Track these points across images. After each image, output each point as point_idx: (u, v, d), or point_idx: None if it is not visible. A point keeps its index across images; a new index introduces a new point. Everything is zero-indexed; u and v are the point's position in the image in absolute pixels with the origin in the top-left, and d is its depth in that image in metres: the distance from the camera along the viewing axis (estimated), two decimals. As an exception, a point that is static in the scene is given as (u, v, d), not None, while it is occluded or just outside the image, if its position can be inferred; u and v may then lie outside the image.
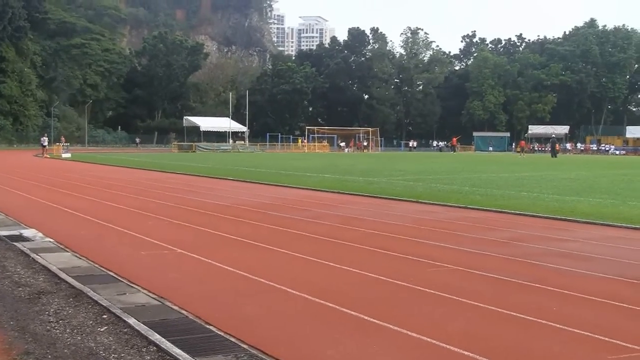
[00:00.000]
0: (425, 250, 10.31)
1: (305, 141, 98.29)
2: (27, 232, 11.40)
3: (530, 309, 6.69)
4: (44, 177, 27.81)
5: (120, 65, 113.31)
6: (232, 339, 5.63)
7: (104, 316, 6.24)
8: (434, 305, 6.99)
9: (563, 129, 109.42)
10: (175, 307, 6.62)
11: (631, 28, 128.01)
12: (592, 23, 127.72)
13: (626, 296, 7.43)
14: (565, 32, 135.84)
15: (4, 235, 11.00)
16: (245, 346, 5.45)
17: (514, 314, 6.54)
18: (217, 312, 6.46)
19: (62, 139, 62.75)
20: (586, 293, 7.49)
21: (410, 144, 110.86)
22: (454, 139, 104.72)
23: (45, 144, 59.95)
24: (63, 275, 7.99)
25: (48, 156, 54.60)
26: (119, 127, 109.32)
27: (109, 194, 19.84)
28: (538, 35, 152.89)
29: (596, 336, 5.83)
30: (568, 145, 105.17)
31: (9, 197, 18.64)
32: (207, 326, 5.98)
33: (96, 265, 8.72)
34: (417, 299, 7.23)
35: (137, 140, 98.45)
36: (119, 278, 7.98)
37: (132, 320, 6.00)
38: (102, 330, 5.82)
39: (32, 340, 5.52)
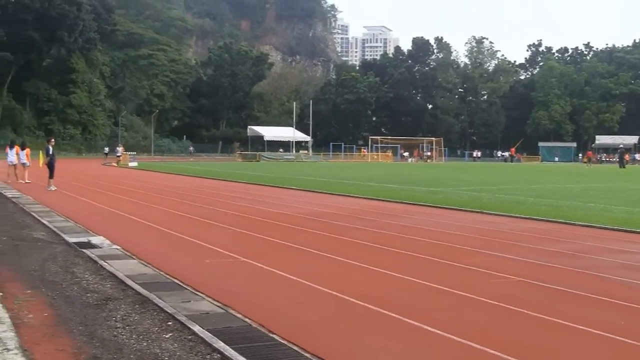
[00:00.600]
0: (489, 261, 10.22)
1: (365, 151, 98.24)
2: (95, 239, 11.64)
3: (596, 323, 6.58)
4: (111, 186, 28.32)
5: (186, 76, 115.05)
6: (295, 348, 5.66)
7: (169, 323, 6.34)
8: (497, 316, 6.93)
9: (632, 139, 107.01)
10: (239, 315, 6.68)
11: None
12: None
13: (696, 311, 7.26)
14: (635, 40, 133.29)
15: (73, 242, 11.25)
16: (307, 355, 5.48)
17: (578, 326, 6.44)
18: (280, 320, 6.50)
19: (121, 148, 63.12)
20: (654, 307, 7.34)
21: (474, 154, 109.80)
22: (512, 149, 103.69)
23: (119, 153, 60.71)
24: (130, 282, 8.13)
25: (115, 164, 55.66)
26: (184, 136, 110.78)
27: (174, 202, 20.12)
28: (606, 44, 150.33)
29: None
30: (637, 156, 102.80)
31: (77, 205, 19.05)
32: (270, 334, 6.03)
33: (161, 273, 8.85)
34: (480, 311, 7.17)
35: (191, 149, 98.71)
36: (184, 285, 8.09)
37: (196, 328, 6.08)
38: (167, 336, 5.92)
39: (100, 345, 5.64)
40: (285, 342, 5.80)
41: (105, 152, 67.68)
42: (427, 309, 7.17)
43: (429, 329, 6.27)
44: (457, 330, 6.20)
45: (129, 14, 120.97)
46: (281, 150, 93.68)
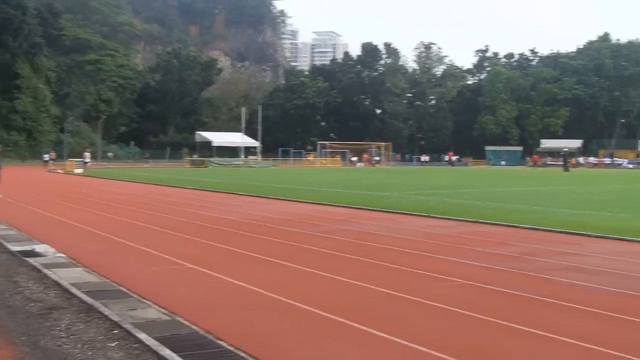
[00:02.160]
0: (437, 264, 10.30)
1: (309, 156, 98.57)
2: (39, 248, 11.45)
3: (541, 324, 6.67)
4: (56, 193, 27.92)
5: (134, 81, 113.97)
6: (242, 354, 5.64)
7: (115, 331, 6.26)
8: (446, 319, 6.99)
9: (576, 143, 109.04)
10: (186, 322, 6.63)
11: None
12: (605, 37, 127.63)
13: (636, 310, 7.40)
14: (578, 46, 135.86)
15: (17, 251, 11.06)
16: (255, 361, 5.47)
17: (525, 328, 6.52)
18: (227, 328, 6.47)
19: (86, 153, 62.03)
20: (596, 307, 7.46)
21: (422, 158, 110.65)
22: (450, 153, 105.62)
23: (47, 159, 60.13)
24: (74, 291, 8.01)
25: (62, 171, 54.83)
26: (132, 142, 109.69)
27: (121, 209, 19.91)
28: (551, 50, 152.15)
29: (607, 350, 5.81)
30: (581, 159, 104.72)
31: (21, 213, 18.72)
32: (218, 341, 5.99)
33: (107, 281, 8.74)
34: (429, 314, 7.22)
35: (147, 155, 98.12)
36: (130, 293, 8.00)
37: (142, 336, 6.02)
38: (112, 345, 5.84)
39: (43, 356, 5.54)
40: (232, 349, 5.77)
41: (45, 159, 66.58)
42: (377, 313, 7.19)
43: (379, 333, 6.29)
44: (408, 334, 6.23)
45: (75, 19, 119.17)
46: (230, 156, 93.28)
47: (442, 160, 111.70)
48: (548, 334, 6.30)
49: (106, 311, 6.96)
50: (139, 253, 11.34)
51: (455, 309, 7.33)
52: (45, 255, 10.70)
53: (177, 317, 6.86)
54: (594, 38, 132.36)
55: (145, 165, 78.56)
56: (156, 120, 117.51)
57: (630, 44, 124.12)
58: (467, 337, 6.32)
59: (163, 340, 5.89)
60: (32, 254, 10.81)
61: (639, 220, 16.88)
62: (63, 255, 10.73)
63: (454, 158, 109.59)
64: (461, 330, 6.58)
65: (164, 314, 7.02)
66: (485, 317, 6.96)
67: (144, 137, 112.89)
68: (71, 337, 6.09)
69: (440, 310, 7.34)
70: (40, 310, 7.12)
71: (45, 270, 9.29)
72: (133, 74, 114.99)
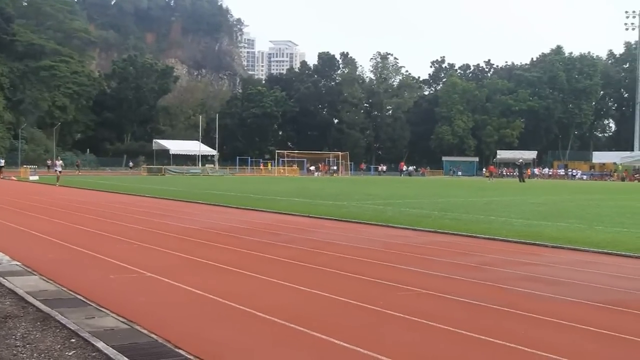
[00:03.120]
0: (395, 274, 10.33)
1: (263, 165, 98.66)
2: (-6, 256, 11.26)
3: (498, 333, 6.72)
4: (11, 200, 27.51)
5: (89, 88, 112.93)
6: (202, 363, 5.59)
7: (72, 340, 6.17)
8: (404, 329, 7.00)
9: (531, 154, 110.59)
10: (145, 331, 6.55)
11: (596, 55, 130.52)
12: (558, 50, 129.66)
13: (593, 320, 7.49)
14: (532, 58, 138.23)
15: (-30, 259, 10.86)
16: (215, 370, 5.42)
17: (483, 337, 6.56)
18: (187, 336, 6.41)
19: (58, 161, 60.04)
20: (553, 317, 7.53)
21: (380, 168, 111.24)
22: (402, 163, 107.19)
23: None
24: (30, 299, 7.89)
25: (15, 178, 54.05)
26: (88, 149, 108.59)
27: (78, 217, 19.68)
28: (506, 61, 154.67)
29: (565, 359, 5.86)
30: (536, 170, 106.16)
31: (-25, 220, 18.41)
32: (177, 350, 5.94)
33: (64, 289, 8.62)
34: (387, 323, 7.22)
35: (131, 164, 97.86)
36: (88, 302, 7.89)
37: (100, 344, 5.94)
38: (70, 354, 5.75)
39: (-1, 365, 5.44)
40: (191, 358, 5.72)
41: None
42: (337, 322, 7.17)
43: (339, 342, 6.27)
44: (367, 343, 6.23)
45: (29, 24, 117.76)
46: (187, 164, 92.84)
47: (399, 170, 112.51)
48: (507, 343, 6.34)
49: (63, 320, 6.86)
50: (96, 261, 11.20)
51: (414, 318, 7.35)
52: (-1, 264, 10.53)
53: (136, 325, 6.78)
54: (547, 51, 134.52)
55: (103, 174, 77.89)
56: (112, 127, 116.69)
57: (582, 57, 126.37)
58: (426, 346, 6.34)
59: (121, 349, 5.82)
60: (-14, 262, 10.62)
61: (593, 230, 17.12)
62: (18, 263, 10.57)
63: (410, 168, 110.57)
64: (421, 339, 6.60)
65: (123, 322, 6.93)
66: (444, 327, 6.99)
67: (100, 145, 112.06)
68: (27, 346, 5.98)
69: (400, 320, 7.35)
70: (-5, 319, 6.99)
71: (0, 279, 9.13)
72: (88, 80, 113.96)
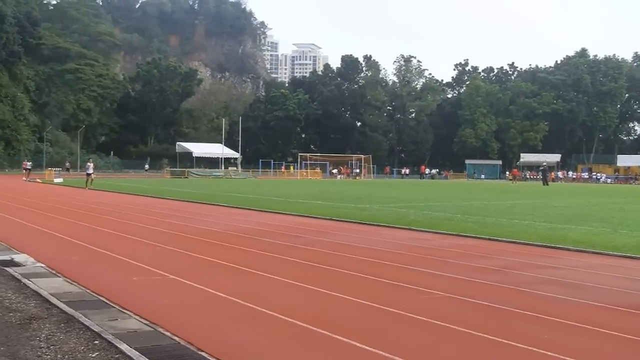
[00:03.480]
0: (417, 277, 10.33)
1: (291, 167, 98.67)
2: (19, 257, 11.37)
3: (520, 337, 6.71)
4: (35, 202, 27.72)
5: (113, 91, 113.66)
6: (224, 365, 5.62)
7: (96, 342, 6.22)
8: (425, 332, 7.01)
9: (555, 157, 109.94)
10: (168, 333, 6.60)
11: (621, 58, 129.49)
12: (583, 53, 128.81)
13: (616, 324, 7.46)
14: (556, 61, 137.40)
15: (-4, 260, 10.98)
16: (236, 372, 5.45)
17: (505, 341, 6.56)
18: (209, 338, 6.45)
19: (89, 163, 59.42)
20: (577, 321, 7.51)
21: (403, 171, 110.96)
22: (422, 166, 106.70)
23: (28, 167, 59.17)
24: (54, 301, 7.96)
25: (40, 180, 54.44)
26: (112, 152, 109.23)
27: (101, 220, 19.80)
28: (530, 64, 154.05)
29: (586, 364, 5.86)
30: (560, 174, 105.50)
31: (0, 222, 18.58)
32: (200, 352, 5.98)
33: (88, 291, 8.69)
34: (408, 326, 7.23)
35: (147, 166, 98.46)
36: (111, 304, 7.95)
37: (124, 346, 5.99)
38: (93, 356, 5.81)
39: (23, 365, 5.51)
40: (214, 360, 5.76)
41: (28, 167, 65.67)
42: (357, 325, 7.19)
43: (359, 344, 6.30)
44: (387, 346, 6.25)
45: (54, 28, 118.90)
46: (210, 167, 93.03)
47: (420, 173, 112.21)
48: (527, 347, 6.34)
49: (87, 321, 6.92)
50: (120, 263, 11.28)
51: (435, 322, 7.35)
52: (24, 265, 10.63)
53: (159, 328, 6.83)
54: (571, 53, 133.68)
55: (126, 176, 78.33)
56: (136, 130, 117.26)
57: (607, 59, 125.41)
58: (447, 349, 6.35)
59: (144, 351, 5.87)
60: (11, 263, 10.74)
61: (617, 234, 17.01)
62: (43, 265, 10.67)
63: (433, 171, 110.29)
64: (441, 342, 6.60)
65: (146, 324, 6.98)
66: (465, 330, 6.99)
67: (124, 147, 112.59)
68: (51, 347, 6.04)
69: (421, 323, 7.36)
70: (20, 320, 7.07)
71: (25, 280, 9.23)
72: (113, 83, 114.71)
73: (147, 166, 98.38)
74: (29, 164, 64.51)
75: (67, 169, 69.35)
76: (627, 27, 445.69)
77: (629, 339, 6.82)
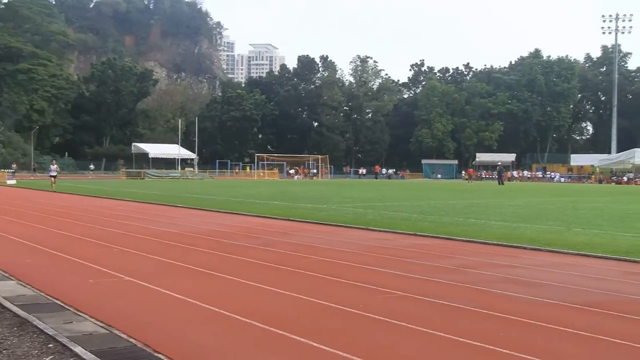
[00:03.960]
0: (375, 277, 10.34)
1: (237, 169, 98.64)
2: (-29, 260, 11.16)
3: (477, 335, 6.74)
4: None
5: (67, 91, 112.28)
6: (182, 368, 5.57)
7: (50, 345, 6.13)
8: (384, 332, 7.00)
9: (510, 157, 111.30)
10: (124, 336, 6.52)
11: (574, 59, 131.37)
12: (537, 53, 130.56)
13: (570, 321, 7.53)
14: (511, 61, 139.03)
15: (-53, 264, 10.76)
16: (194, 375, 5.40)
17: (463, 339, 6.58)
18: (166, 341, 6.39)
19: (53, 166, 58.39)
20: (532, 318, 7.57)
21: (360, 171, 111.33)
22: (377, 166, 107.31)
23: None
24: (7, 304, 7.82)
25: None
26: (66, 153, 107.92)
27: (56, 221, 19.55)
28: (485, 65, 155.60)
29: (543, 361, 5.90)
30: (515, 173, 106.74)
31: (-49, 225, 18.26)
32: (156, 354, 5.91)
33: (42, 294, 8.56)
34: (367, 326, 7.22)
35: (91, 167, 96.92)
36: (66, 306, 7.84)
37: (78, 349, 5.90)
38: (47, 359, 5.71)
39: (-24, 370, 5.40)
40: (172, 363, 5.70)
41: None
42: (317, 325, 7.18)
43: (319, 345, 6.28)
44: (346, 346, 6.24)
45: (6, 27, 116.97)
46: (166, 167, 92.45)
47: (379, 173, 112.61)
48: (484, 345, 6.37)
49: (41, 325, 6.81)
50: (75, 266, 11.13)
51: (393, 321, 7.36)
52: (-24, 269, 10.44)
53: (115, 330, 6.74)
54: (525, 54, 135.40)
55: (82, 178, 77.40)
56: (91, 131, 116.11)
57: (560, 60, 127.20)
58: (406, 348, 6.35)
59: (100, 354, 5.79)
60: (-37, 267, 10.53)
61: (571, 232, 17.24)
62: (-5, 268, 10.48)
63: (390, 171, 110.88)
64: (400, 342, 6.60)
65: (101, 327, 6.89)
66: (423, 329, 7.01)
67: (79, 148, 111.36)
68: (4, 351, 5.94)
69: (379, 322, 7.36)
70: (-28, 325, 6.94)
71: (-23, 284, 9.06)
72: (67, 83, 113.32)
73: (92, 166, 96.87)
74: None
75: (34, 169, 66.89)
76: (579, 28, 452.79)
77: (586, 336, 6.89)
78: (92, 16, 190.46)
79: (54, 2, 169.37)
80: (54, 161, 51.92)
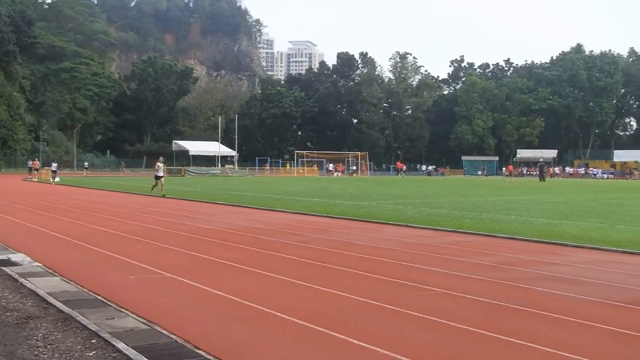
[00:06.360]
0: (415, 274, 10.29)
1: (267, 166, 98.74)
2: (16, 257, 11.32)
3: (520, 333, 6.67)
4: (32, 201, 27.67)
5: (109, 90, 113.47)
6: (222, 364, 5.59)
7: (93, 341, 6.18)
8: (424, 329, 6.96)
9: (551, 153, 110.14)
10: (165, 332, 6.56)
11: (617, 53, 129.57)
12: (578, 48, 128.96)
13: (614, 319, 7.42)
14: (552, 57, 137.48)
15: (-8, 260, 10.92)
16: (235, 371, 5.41)
17: (504, 337, 6.52)
18: (206, 337, 6.41)
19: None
20: (575, 317, 7.48)
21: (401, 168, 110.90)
22: (399, 163, 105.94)
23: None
24: (51, 300, 7.92)
25: (36, 180, 54.39)
26: (108, 151, 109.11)
27: (98, 218, 19.75)
28: (525, 60, 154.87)
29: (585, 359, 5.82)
30: (556, 169, 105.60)
31: (-4, 222, 18.53)
32: (197, 350, 5.94)
33: (84, 290, 8.65)
34: (407, 323, 7.19)
35: (122, 164, 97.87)
36: (108, 302, 7.91)
37: (121, 345, 5.95)
38: (90, 354, 5.77)
39: (20, 365, 5.46)
40: (211, 358, 5.72)
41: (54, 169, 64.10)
42: (356, 322, 7.15)
43: (359, 342, 6.26)
44: (387, 343, 6.21)
45: (49, 27, 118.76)
46: (206, 165, 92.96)
47: (419, 170, 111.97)
48: (527, 344, 6.30)
49: (84, 320, 6.88)
50: (117, 262, 11.23)
51: (434, 319, 7.31)
52: (21, 265, 10.58)
53: (156, 326, 6.79)
54: (567, 49, 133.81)
55: (122, 175, 78.14)
56: (132, 129, 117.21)
57: (603, 55, 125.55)
58: (446, 346, 6.31)
59: (141, 350, 5.83)
60: (8, 263, 10.69)
61: (615, 229, 17.00)
62: (40, 264, 10.62)
63: (430, 167, 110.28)
64: (441, 339, 6.56)
65: (143, 323, 6.94)
66: (465, 327, 6.95)
67: (120, 146, 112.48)
68: (48, 346, 6.00)
69: (420, 320, 7.32)
70: (17, 320, 7.02)
71: (22, 280, 9.18)
72: (108, 82, 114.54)
73: (123, 163, 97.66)
74: (39, 164, 64.45)
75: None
76: (623, 23, 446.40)
77: (630, 335, 6.79)
78: (132, 15, 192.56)
79: (95, 2, 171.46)
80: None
